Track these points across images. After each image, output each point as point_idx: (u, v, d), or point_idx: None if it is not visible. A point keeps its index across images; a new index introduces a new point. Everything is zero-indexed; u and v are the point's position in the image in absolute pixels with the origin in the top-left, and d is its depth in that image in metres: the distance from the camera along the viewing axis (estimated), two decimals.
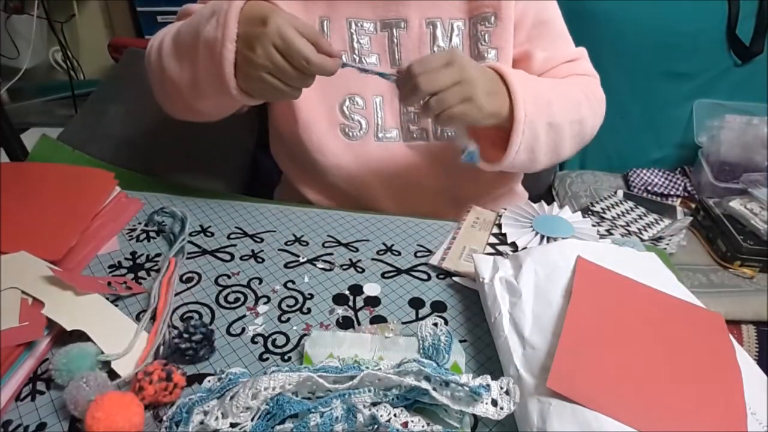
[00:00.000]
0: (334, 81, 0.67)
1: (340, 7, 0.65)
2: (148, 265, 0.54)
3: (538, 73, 0.68)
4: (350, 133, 0.67)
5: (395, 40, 0.66)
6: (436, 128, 0.68)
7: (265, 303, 0.50)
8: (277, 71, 0.49)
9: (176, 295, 0.51)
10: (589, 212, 1.15)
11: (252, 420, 0.37)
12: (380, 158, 0.68)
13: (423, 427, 0.37)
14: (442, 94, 0.52)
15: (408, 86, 0.53)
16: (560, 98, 0.62)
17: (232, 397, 0.37)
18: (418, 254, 0.57)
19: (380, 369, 0.40)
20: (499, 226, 0.60)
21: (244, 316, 0.49)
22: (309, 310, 0.49)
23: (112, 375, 0.41)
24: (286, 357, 0.45)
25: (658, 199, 1.27)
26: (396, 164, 0.69)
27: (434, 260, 0.56)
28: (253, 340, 0.46)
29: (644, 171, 1.32)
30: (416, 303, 0.51)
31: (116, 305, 0.48)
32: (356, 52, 0.66)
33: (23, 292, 0.45)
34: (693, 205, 1.22)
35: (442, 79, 0.52)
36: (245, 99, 0.53)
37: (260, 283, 0.52)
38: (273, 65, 0.49)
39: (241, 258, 0.56)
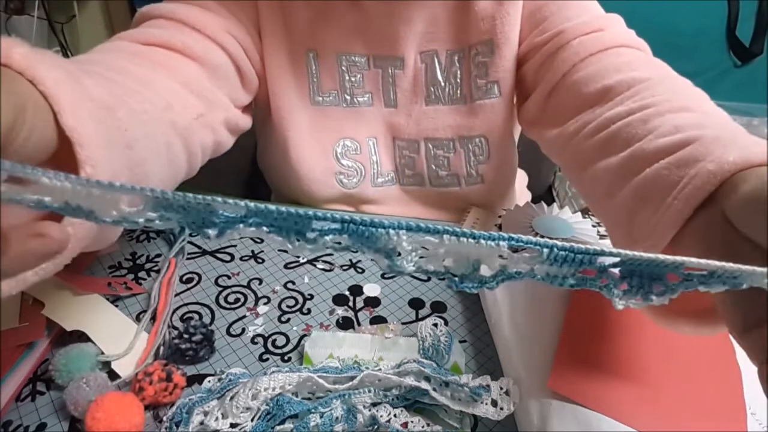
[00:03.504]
0: (328, 124, 0.62)
1: (329, 40, 0.59)
2: (148, 265, 0.54)
3: (547, 54, 0.55)
4: (346, 182, 0.65)
5: (390, 79, 0.61)
6: (430, 175, 0.65)
7: (265, 303, 0.50)
8: None
9: (176, 295, 0.51)
10: (589, 213, 1.15)
11: (252, 420, 0.37)
12: (376, 201, 0.67)
13: (423, 427, 0.37)
14: None
15: None
16: None
17: (232, 398, 0.37)
18: None
19: (380, 369, 0.40)
20: (499, 226, 0.60)
21: (244, 316, 0.49)
22: (309, 311, 0.49)
23: (112, 375, 0.41)
24: (286, 357, 0.45)
25: None
26: (392, 208, 0.67)
27: None
28: (253, 341, 0.46)
29: None
30: (416, 303, 0.51)
31: (116, 305, 0.48)
32: (348, 91, 0.62)
33: (23, 292, 0.45)
34: None
35: None
36: None
37: (260, 284, 0.52)
38: None
39: (241, 258, 0.56)
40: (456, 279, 0.23)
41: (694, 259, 0.21)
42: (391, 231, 0.21)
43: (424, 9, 0.58)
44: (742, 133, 0.35)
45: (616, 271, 0.23)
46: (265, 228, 0.21)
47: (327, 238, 0.22)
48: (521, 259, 0.22)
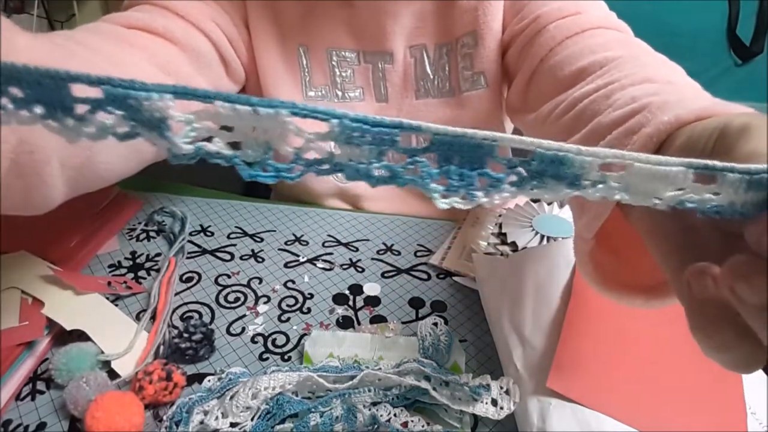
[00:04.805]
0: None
1: (319, 34, 0.60)
2: (148, 264, 0.54)
3: (525, 40, 0.54)
4: (341, 177, 0.65)
5: (380, 74, 0.62)
6: None
7: (265, 303, 0.50)
8: None
9: (176, 294, 0.51)
10: None
11: (252, 420, 0.37)
12: (372, 197, 0.67)
13: (423, 426, 0.37)
14: None
15: None
16: None
17: (232, 397, 0.37)
18: (418, 254, 0.57)
19: (380, 369, 0.40)
20: (500, 226, 0.60)
21: (244, 315, 0.49)
22: (309, 310, 0.49)
23: (112, 375, 0.41)
24: (286, 357, 0.45)
25: None
26: (389, 203, 0.67)
27: (434, 260, 0.56)
28: (253, 340, 0.46)
29: None
30: (416, 303, 0.51)
31: (116, 305, 0.48)
32: (339, 86, 0.62)
33: (23, 291, 0.45)
34: None
35: None
36: None
37: (260, 283, 0.52)
38: None
39: (241, 258, 0.56)
40: (244, 165, 0.19)
41: (507, 135, 0.18)
42: (155, 95, 0.17)
43: (410, 5, 0.59)
44: (698, 96, 0.33)
45: (430, 157, 0.18)
46: (37, 110, 0.17)
47: (105, 121, 0.18)
48: (317, 138, 0.18)
